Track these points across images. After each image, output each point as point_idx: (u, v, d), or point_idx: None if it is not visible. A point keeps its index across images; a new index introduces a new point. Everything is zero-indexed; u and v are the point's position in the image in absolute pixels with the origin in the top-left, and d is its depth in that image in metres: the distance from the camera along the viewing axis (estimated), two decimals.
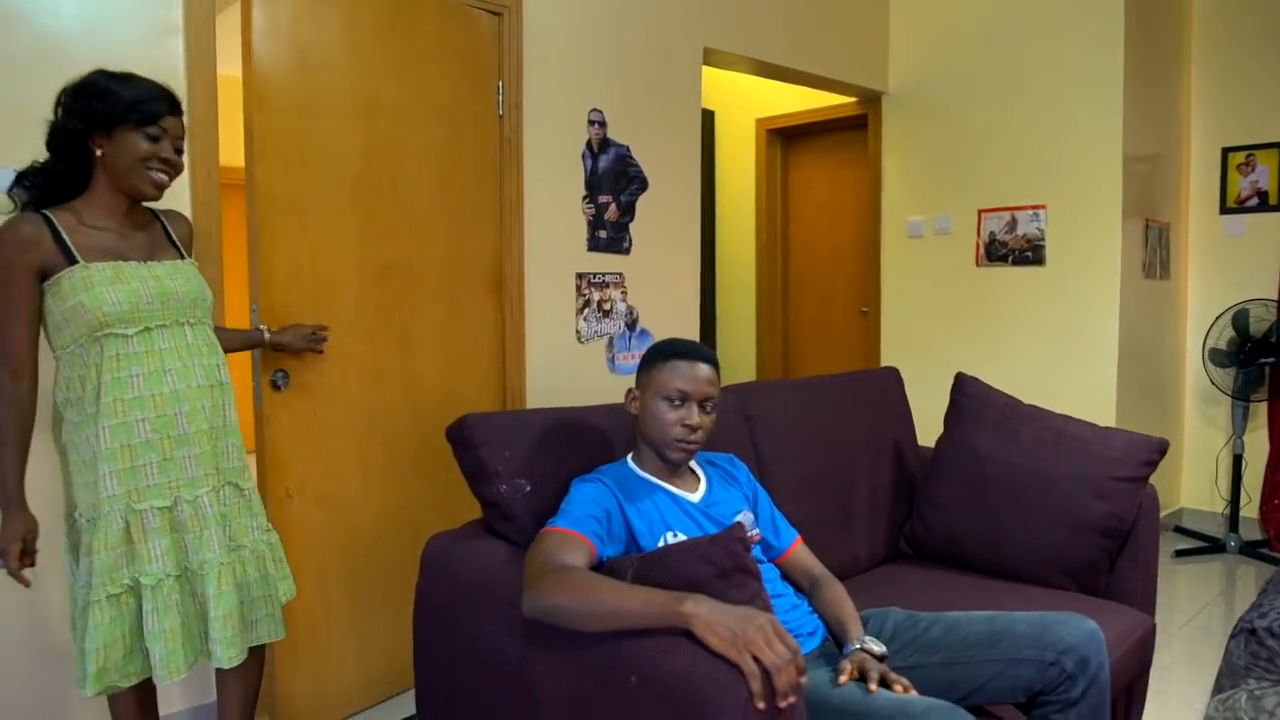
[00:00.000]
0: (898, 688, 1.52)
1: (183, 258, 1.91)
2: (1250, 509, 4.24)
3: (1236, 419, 4.11)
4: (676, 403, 1.75)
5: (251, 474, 1.99)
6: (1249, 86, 4.24)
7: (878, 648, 1.65)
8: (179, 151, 1.83)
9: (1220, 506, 4.31)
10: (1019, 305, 4.11)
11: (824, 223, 5.11)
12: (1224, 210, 4.35)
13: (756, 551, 1.87)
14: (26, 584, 1.74)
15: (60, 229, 1.73)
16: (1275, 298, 4.12)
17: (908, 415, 2.78)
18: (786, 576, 1.92)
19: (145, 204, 1.88)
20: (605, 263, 3.30)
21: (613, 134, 3.30)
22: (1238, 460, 4.13)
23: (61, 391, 1.79)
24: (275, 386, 2.40)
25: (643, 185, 3.40)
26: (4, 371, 1.72)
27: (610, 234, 3.31)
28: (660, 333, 3.50)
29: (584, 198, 3.22)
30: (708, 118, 5.22)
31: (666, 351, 1.81)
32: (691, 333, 3.64)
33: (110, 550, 1.73)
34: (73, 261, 1.72)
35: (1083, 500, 2.29)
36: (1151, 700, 2.62)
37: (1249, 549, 4.04)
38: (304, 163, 2.43)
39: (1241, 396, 4.06)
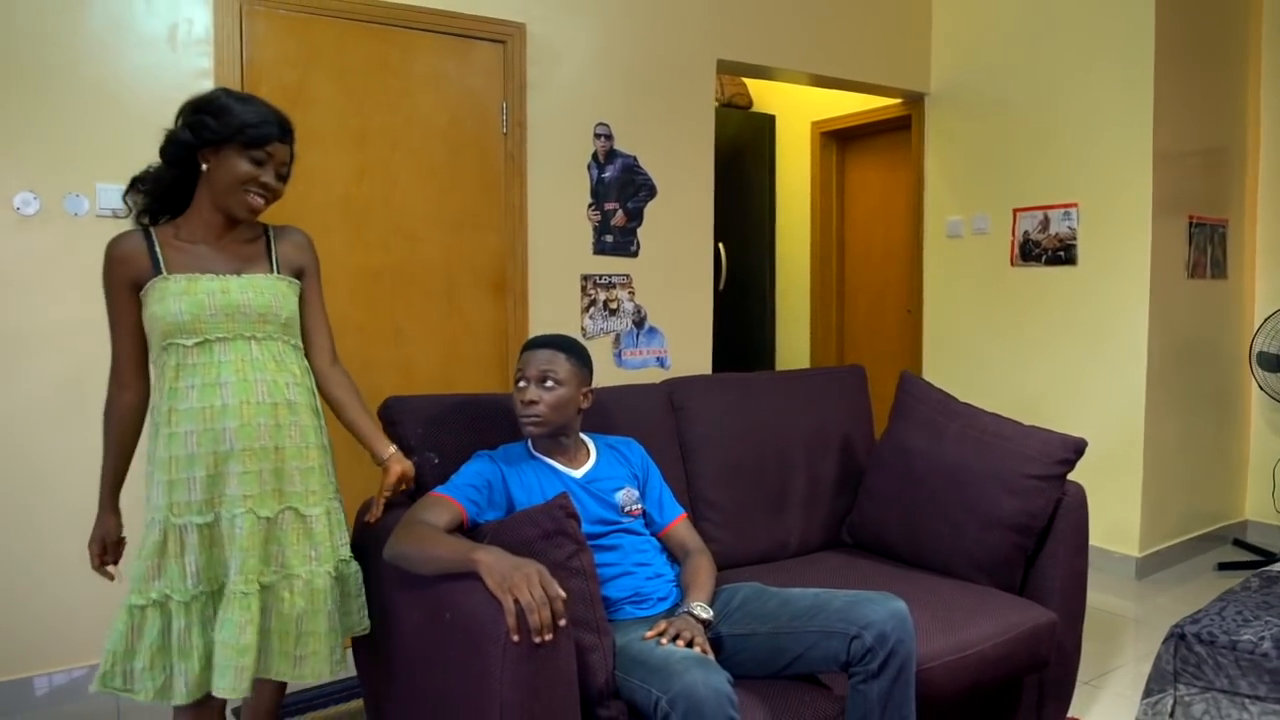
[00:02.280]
0: (697, 648, 1.71)
1: (273, 272, 1.87)
2: None
3: None
4: (521, 384, 2.01)
5: (330, 501, 1.90)
6: None
7: (704, 614, 1.84)
8: (283, 178, 1.85)
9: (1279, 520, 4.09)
10: (1051, 306, 4.06)
11: (877, 223, 5.15)
12: None
13: (638, 524, 2.10)
14: (110, 578, 1.87)
15: (156, 242, 1.78)
16: None
17: (866, 411, 2.89)
18: (666, 549, 2.13)
19: (258, 219, 1.90)
20: (612, 265, 3.56)
21: (620, 145, 3.55)
22: None
23: (154, 396, 1.82)
24: None
25: (651, 193, 3.63)
26: (111, 381, 1.82)
27: (617, 238, 3.55)
28: (670, 329, 3.72)
29: (589, 205, 3.49)
30: (768, 122, 5.39)
31: (523, 346, 2.08)
32: (704, 331, 3.83)
33: (145, 560, 1.72)
34: (159, 273, 1.76)
35: (996, 496, 2.35)
36: (1115, 702, 2.64)
37: None
38: (292, 186, 2.81)
39: None
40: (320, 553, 1.84)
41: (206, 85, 2.77)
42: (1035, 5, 4.07)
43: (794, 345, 5.52)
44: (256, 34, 2.85)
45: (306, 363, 1.93)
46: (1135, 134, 3.73)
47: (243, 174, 1.77)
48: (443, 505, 1.89)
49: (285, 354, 1.85)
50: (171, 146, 1.79)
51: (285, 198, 2.80)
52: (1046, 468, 2.34)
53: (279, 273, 1.88)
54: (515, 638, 1.51)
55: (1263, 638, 2.25)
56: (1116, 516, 3.85)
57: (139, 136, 2.63)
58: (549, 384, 1.99)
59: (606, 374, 3.54)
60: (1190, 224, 3.92)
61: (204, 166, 1.78)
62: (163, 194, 1.83)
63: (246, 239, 1.87)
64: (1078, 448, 2.37)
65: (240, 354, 1.78)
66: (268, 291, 1.82)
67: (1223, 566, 3.88)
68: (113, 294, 1.78)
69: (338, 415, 2.01)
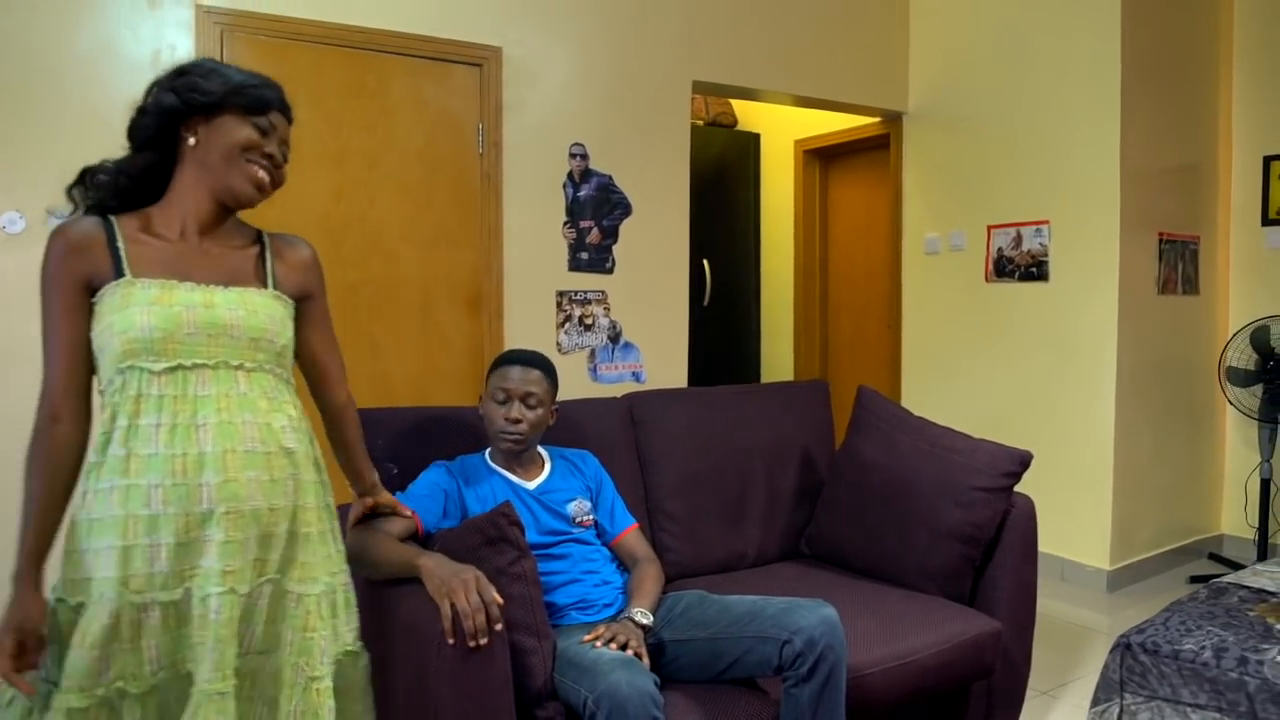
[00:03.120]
0: (630, 651, 1.78)
1: (266, 286, 1.53)
2: None
3: (1263, 441, 3.93)
4: (501, 400, 2.08)
5: (334, 577, 1.53)
6: None
7: (643, 619, 1.91)
8: (284, 160, 1.54)
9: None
10: (1024, 321, 4.12)
11: (859, 239, 5.22)
12: (1265, 222, 4.17)
13: (589, 534, 2.17)
14: (29, 693, 1.33)
15: (118, 234, 1.41)
16: None
17: (828, 425, 2.95)
18: (616, 557, 2.20)
19: (246, 223, 1.60)
20: (587, 281, 3.64)
21: (595, 165, 3.63)
22: (1265, 485, 3.95)
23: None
24: None
25: (627, 211, 3.71)
26: (41, 409, 1.38)
27: (592, 255, 3.64)
28: (646, 345, 3.80)
29: (565, 223, 3.58)
30: (752, 140, 5.48)
31: (500, 360, 2.15)
32: (680, 346, 3.90)
33: (89, 649, 1.30)
34: (121, 275, 1.39)
35: (944, 508, 2.41)
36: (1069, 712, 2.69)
37: None
38: (271, 206, 2.91)
39: (1268, 418, 3.89)
40: (315, 648, 1.45)
41: None
42: (1008, 26, 4.15)
43: (779, 359, 5.59)
44: (237, 58, 2.95)
45: (300, 402, 1.56)
46: (1103, 152, 3.80)
47: (244, 138, 1.45)
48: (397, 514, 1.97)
49: (279, 390, 1.49)
50: (147, 119, 1.45)
51: (264, 217, 2.92)
52: (993, 480, 2.40)
53: (270, 286, 1.54)
54: (450, 640, 1.58)
55: (1204, 647, 2.30)
56: (1088, 530, 3.89)
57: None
58: (532, 403, 2.07)
59: (582, 388, 3.62)
60: (1160, 240, 3.97)
61: (190, 141, 1.44)
62: (127, 187, 1.47)
63: (237, 244, 1.54)
64: (1023, 460, 2.43)
65: (224, 387, 1.41)
66: (262, 311, 1.47)
67: (1195, 580, 3.91)
68: (56, 293, 1.38)
69: (342, 458, 1.77)
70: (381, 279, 3.19)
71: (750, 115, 5.54)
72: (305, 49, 3.05)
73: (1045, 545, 3.92)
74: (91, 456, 1.38)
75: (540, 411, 2.10)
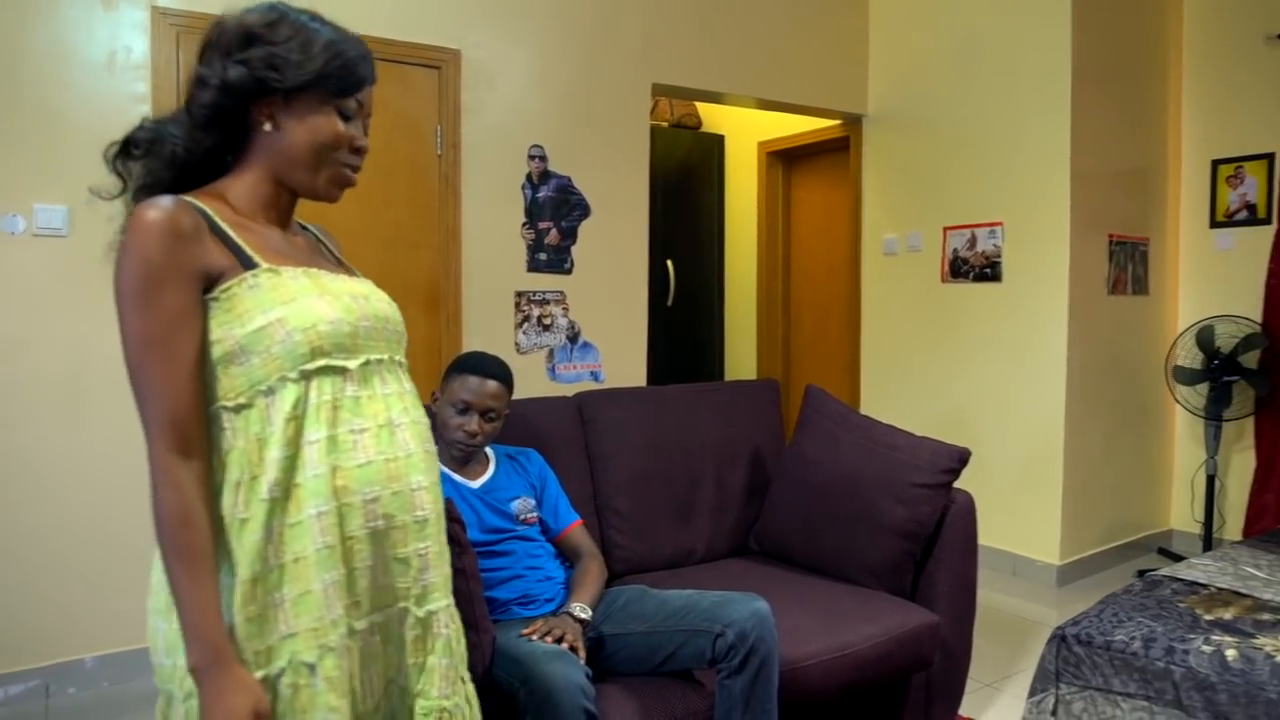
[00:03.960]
0: (566, 644, 1.82)
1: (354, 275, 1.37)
2: (1233, 532, 4.13)
3: (1209, 438, 4.03)
4: (461, 410, 2.11)
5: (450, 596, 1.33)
6: (1239, 97, 4.16)
7: (582, 614, 1.96)
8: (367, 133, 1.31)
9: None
10: (979, 322, 4.19)
11: (821, 240, 5.29)
12: (1214, 224, 4.27)
13: (534, 531, 2.21)
14: None
15: (215, 216, 1.17)
16: (1260, 314, 4.02)
17: (778, 423, 3.00)
18: (560, 553, 2.24)
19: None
20: (545, 281, 3.68)
21: (554, 166, 3.67)
22: (1210, 481, 4.04)
23: (216, 474, 1.13)
24: None
25: (585, 212, 3.76)
26: (161, 448, 1.08)
27: (551, 256, 3.68)
28: (605, 345, 3.84)
29: (524, 224, 3.61)
30: (717, 142, 5.53)
31: (462, 365, 2.17)
32: (639, 345, 3.95)
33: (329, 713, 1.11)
34: (248, 265, 1.16)
35: (885, 504, 2.47)
36: (1010, 703, 2.76)
37: None
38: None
39: (1213, 416, 3.98)
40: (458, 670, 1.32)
41: (144, 110, 2.88)
42: (964, 31, 4.22)
43: (742, 359, 5.65)
44: (193, 59, 2.96)
45: None
46: (1054, 155, 3.87)
47: (332, 137, 1.23)
48: None
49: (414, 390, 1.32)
50: (213, 95, 1.19)
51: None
52: (933, 476, 2.46)
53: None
54: None
55: (1134, 637, 2.37)
56: (1038, 525, 3.97)
57: (77, 158, 2.77)
58: (491, 416, 2.11)
59: (540, 388, 3.66)
60: (1111, 242, 4.06)
61: (266, 127, 1.21)
62: (186, 162, 1.21)
63: (298, 231, 1.36)
64: (962, 458, 2.49)
65: (396, 385, 1.26)
66: (392, 302, 1.34)
67: (1142, 574, 4.00)
68: (168, 291, 1.09)
69: None
70: None
71: (714, 117, 5.60)
72: None
73: (997, 541, 4.03)
74: (265, 492, 1.11)
75: (498, 424, 2.14)
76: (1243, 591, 2.60)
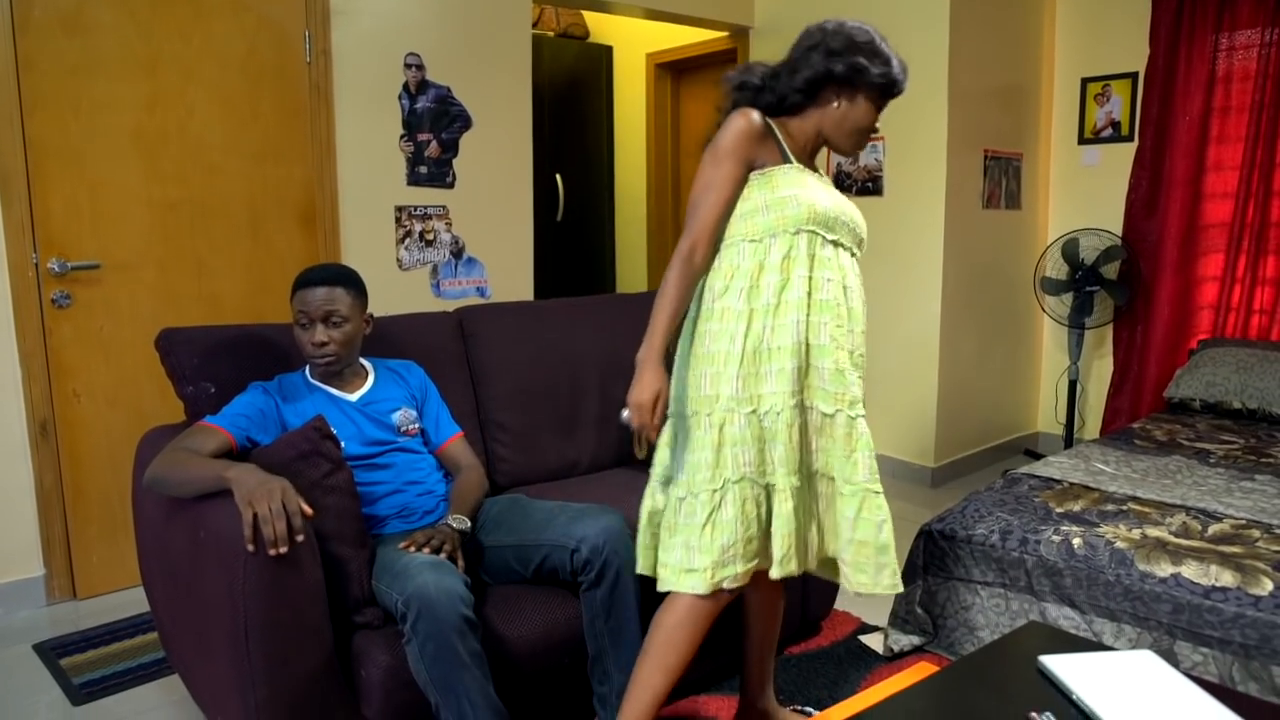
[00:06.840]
0: (443, 555, 1.83)
1: None
2: (1092, 432, 4.41)
3: (1072, 345, 4.26)
4: (304, 324, 2.04)
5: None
6: (1109, 16, 4.29)
7: (458, 525, 1.96)
8: None
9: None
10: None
11: None
12: (1081, 140, 4.44)
13: (415, 443, 2.19)
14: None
15: (777, 132, 1.80)
16: (1121, 227, 4.23)
17: None
18: (442, 465, 2.24)
19: None
20: (427, 196, 3.58)
21: (432, 76, 3.54)
22: (1072, 386, 4.29)
23: (722, 280, 1.77)
24: (56, 304, 2.76)
25: (466, 124, 3.65)
26: (686, 240, 1.74)
27: (431, 169, 3.57)
28: (490, 260, 3.78)
29: (402, 136, 3.48)
30: (605, 53, 5.41)
31: (296, 282, 2.07)
32: (525, 260, 3.90)
33: (787, 446, 1.72)
34: (790, 161, 1.78)
35: None
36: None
37: None
38: (78, 116, 2.75)
39: (1076, 324, 4.21)
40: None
41: None
42: None
43: (633, 274, 5.65)
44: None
45: None
46: (933, 71, 3.94)
47: (868, 125, 1.85)
48: (208, 433, 1.93)
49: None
50: (811, 75, 1.79)
51: (68, 127, 2.75)
52: None
53: None
54: (250, 548, 1.59)
55: (992, 531, 2.52)
56: (915, 430, 4.16)
57: None
58: (335, 320, 2.03)
59: (425, 304, 3.59)
60: (986, 157, 4.18)
61: (834, 104, 1.81)
62: (769, 103, 1.84)
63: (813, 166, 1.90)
64: None
65: (854, 268, 1.83)
66: (857, 211, 1.87)
67: (1005, 473, 4.24)
68: (728, 161, 1.75)
69: None
70: (205, 196, 3.04)
71: (602, 27, 5.47)
72: None
73: (878, 446, 4.17)
74: (758, 299, 1.73)
75: (347, 327, 2.06)
76: (1091, 485, 2.79)
